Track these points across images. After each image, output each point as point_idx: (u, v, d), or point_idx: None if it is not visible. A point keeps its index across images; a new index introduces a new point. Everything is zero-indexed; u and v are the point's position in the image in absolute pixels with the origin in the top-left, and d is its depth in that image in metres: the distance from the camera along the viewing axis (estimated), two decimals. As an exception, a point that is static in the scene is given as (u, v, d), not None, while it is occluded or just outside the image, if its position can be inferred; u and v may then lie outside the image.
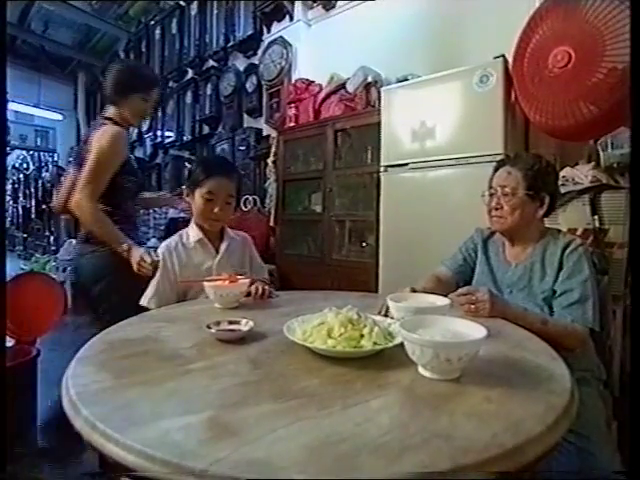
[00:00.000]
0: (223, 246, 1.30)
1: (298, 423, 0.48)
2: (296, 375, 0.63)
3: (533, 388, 0.57)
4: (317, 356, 0.69)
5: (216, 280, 1.09)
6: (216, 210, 1.25)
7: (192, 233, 1.29)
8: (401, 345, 0.64)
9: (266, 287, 1.19)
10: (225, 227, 1.34)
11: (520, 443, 0.43)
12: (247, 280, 1.11)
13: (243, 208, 3.34)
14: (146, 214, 4.51)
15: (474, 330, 0.63)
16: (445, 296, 0.91)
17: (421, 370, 0.62)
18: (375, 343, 0.68)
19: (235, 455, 0.41)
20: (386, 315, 0.90)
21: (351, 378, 0.61)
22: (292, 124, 2.92)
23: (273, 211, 3.10)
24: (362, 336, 0.69)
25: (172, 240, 1.29)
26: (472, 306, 0.95)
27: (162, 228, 3.81)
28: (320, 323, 0.73)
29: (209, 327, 0.81)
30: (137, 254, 1.27)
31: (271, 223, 3.12)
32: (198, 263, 1.26)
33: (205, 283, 1.08)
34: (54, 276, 4.09)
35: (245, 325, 0.84)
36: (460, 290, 0.99)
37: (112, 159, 1.35)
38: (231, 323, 0.85)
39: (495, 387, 0.57)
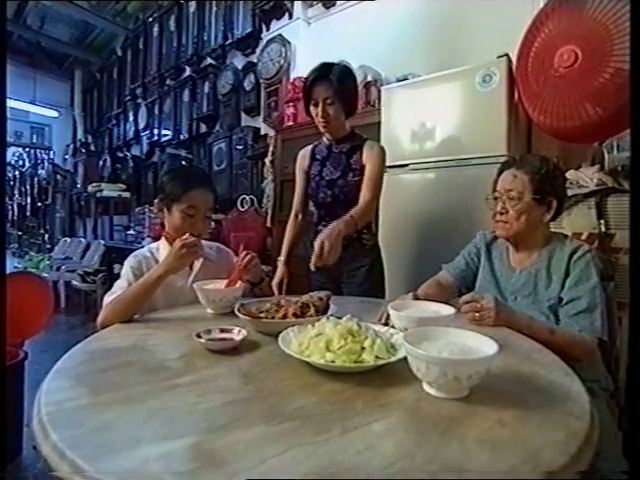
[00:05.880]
0: (198, 263, 1.18)
1: (292, 451, 0.43)
2: (291, 392, 0.58)
3: (549, 409, 0.53)
4: (314, 369, 0.64)
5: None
6: (197, 226, 1.13)
7: (164, 252, 1.14)
8: (404, 359, 0.60)
9: (254, 257, 1.11)
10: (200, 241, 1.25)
11: (542, 479, 0.39)
12: (242, 284, 1.07)
13: (240, 208, 3.29)
14: (141, 213, 4.47)
15: (484, 344, 0.58)
16: (448, 304, 0.87)
17: (426, 387, 0.57)
18: (377, 357, 0.63)
19: (220, 492, 0.36)
20: (386, 323, 0.85)
21: (350, 396, 0.56)
22: (290, 123, 2.87)
23: (270, 211, 3.05)
24: (363, 349, 0.64)
25: (142, 252, 1.18)
26: (477, 314, 0.91)
27: (157, 227, 3.76)
28: (318, 334, 0.68)
29: (199, 336, 0.76)
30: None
31: (268, 224, 3.07)
32: (170, 281, 1.09)
33: (196, 287, 1.03)
34: (46, 275, 4.03)
35: (237, 334, 0.79)
36: (464, 297, 0.95)
37: None
38: (223, 331, 0.80)
39: (508, 408, 0.52)
